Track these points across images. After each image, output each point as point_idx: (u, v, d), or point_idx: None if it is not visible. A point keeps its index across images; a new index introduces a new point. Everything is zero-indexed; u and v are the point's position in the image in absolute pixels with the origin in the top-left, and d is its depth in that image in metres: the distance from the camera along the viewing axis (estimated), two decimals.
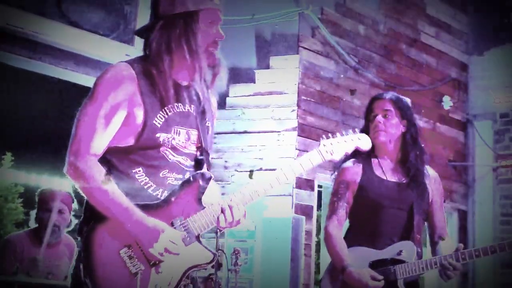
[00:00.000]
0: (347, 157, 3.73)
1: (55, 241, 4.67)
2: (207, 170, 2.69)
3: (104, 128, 2.50)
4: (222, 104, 6.35)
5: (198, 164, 2.68)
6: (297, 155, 5.95)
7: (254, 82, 6.31)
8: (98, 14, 5.54)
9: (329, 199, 3.75)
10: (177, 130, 2.60)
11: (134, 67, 2.57)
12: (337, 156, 2.77)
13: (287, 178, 2.69)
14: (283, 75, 6.20)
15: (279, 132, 6.06)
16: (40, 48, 5.31)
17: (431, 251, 3.74)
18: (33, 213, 4.85)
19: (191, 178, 2.59)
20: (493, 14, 8.13)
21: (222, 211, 2.56)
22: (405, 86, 7.34)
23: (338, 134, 2.81)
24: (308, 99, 6.21)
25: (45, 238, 4.53)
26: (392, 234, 3.57)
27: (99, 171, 2.46)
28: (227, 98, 6.33)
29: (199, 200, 2.58)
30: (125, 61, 2.61)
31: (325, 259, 7.35)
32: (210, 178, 2.61)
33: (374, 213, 3.59)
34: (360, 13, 6.92)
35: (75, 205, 4.77)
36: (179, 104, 2.63)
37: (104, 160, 2.53)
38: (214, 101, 2.82)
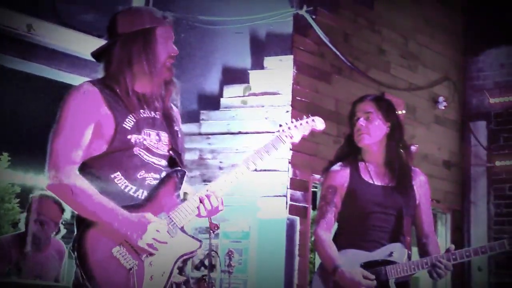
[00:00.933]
0: (334, 161, 3.76)
1: (37, 251, 4.61)
2: (181, 166, 2.84)
3: (79, 143, 2.63)
4: (216, 105, 6.35)
5: (172, 163, 2.82)
6: (291, 156, 5.95)
7: (248, 83, 6.30)
8: (92, 14, 5.55)
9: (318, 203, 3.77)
10: (147, 132, 2.74)
11: (95, 83, 2.73)
12: (296, 139, 3.00)
13: (255, 164, 2.86)
14: (278, 76, 6.19)
15: (273, 132, 6.03)
16: (34, 49, 5.31)
17: (418, 252, 3.76)
18: (23, 216, 4.81)
19: (167, 176, 2.75)
20: (488, 15, 8.15)
21: (201, 201, 2.73)
22: (400, 86, 7.35)
23: (293, 119, 3.05)
24: (303, 99, 6.21)
25: (26, 247, 4.51)
26: (381, 237, 3.59)
27: (80, 177, 2.59)
28: (221, 99, 6.34)
29: (178, 195, 2.76)
30: (87, 81, 2.76)
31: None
32: (184, 173, 2.78)
33: (362, 218, 3.59)
34: (355, 13, 6.93)
35: (66, 215, 4.70)
36: (145, 110, 2.78)
37: (85, 170, 2.65)
38: (175, 109, 2.96)
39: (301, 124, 3.05)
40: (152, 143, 2.74)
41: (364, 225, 3.58)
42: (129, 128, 2.69)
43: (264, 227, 5.84)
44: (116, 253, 2.56)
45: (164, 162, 2.78)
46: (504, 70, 8.04)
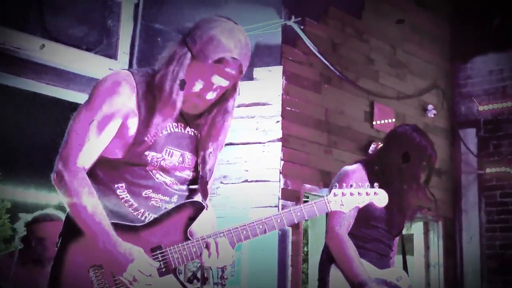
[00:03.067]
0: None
1: (41, 268, 4.58)
2: (202, 197, 2.56)
3: (96, 137, 2.41)
4: (220, 141, 6.32)
5: (190, 190, 2.58)
6: (282, 166, 5.94)
7: (238, 94, 6.29)
8: (81, 28, 5.54)
9: None
10: (170, 151, 2.49)
11: (135, 77, 2.49)
12: (346, 209, 2.58)
13: (287, 224, 2.57)
14: (267, 86, 6.20)
15: (264, 143, 6.06)
16: (22, 63, 5.29)
17: None
18: (20, 231, 4.73)
19: (182, 205, 2.48)
20: (474, 22, 8.19)
21: (207, 246, 2.43)
22: (389, 95, 7.37)
23: (354, 184, 2.62)
24: (293, 109, 6.22)
25: (29, 264, 4.49)
26: (378, 250, 3.59)
27: (84, 186, 2.37)
28: (224, 136, 6.31)
29: (185, 231, 2.45)
30: (128, 70, 2.54)
31: (313, 270, 7.34)
32: (202, 208, 2.48)
33: (373, 229, 3.57)
34: (342, 23, 6.95)
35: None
36: (179, 123, 2.53)
37: (91, 170, 2.45)
38: (224, 132, 2.67)
39: (359, 193, 2.60)
40: (171, 164, 2.49)
41: (367, 235, 3.57)
42: (150, 143, 2.44)
43: (256, 238, 5.81)
44: (92, 273, 2.37)
45: (179, 186, 2.52)
46: (493, 77, 8.08)
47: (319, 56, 6.48)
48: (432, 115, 7.83)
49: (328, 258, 3.55)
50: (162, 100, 2.42)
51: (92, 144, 2.41)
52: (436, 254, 7.72)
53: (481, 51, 8.17)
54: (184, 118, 2.52)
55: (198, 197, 2.61)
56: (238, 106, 6.31)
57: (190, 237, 2.46)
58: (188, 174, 2.55)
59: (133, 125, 2.44)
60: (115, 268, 2.33)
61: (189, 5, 6.50)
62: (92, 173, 2.45)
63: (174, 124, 2.50)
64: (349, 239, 3.46)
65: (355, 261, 3.40)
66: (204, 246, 2.43)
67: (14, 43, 5.16)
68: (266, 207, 5.85)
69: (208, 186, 2.56)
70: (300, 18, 6.30)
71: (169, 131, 2.49)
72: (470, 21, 8.25)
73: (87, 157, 2.41)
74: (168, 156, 2.48)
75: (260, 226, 2.55)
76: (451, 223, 7.94)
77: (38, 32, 5.30)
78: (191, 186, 2.57)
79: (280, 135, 6.01)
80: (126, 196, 2.45)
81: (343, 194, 2.56)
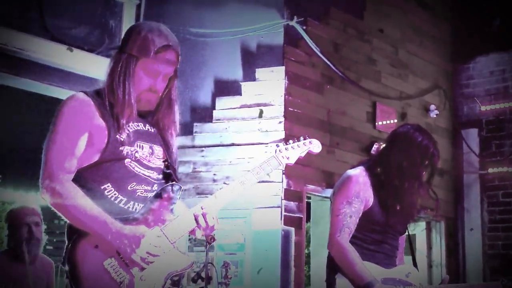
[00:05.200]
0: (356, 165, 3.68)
1: (35, 254, 4.59)
2: (176, 182, 2.84)
3: (72, 152, 2.64)
4: (209, 117, 6.33)
5: (166, 177, 2.84)
6: (285, 167, 5.92)
7: (241, 95, 6.30)
8: (83, 29, 5.54)
9: (337, 207, 3.52)
10: (140, 145, 2.77)
11: (89, 94, 2.75)
12: (292, 160, 2.99)
13: (251, 183, 2.85)
14: (270, 87, 6.19)
15: (266, 144, 6.05)
16: (24, 64, 5.28)
17: None
18: (2, 234, 4.78)
19: (163, 190, 2.74)
20: (475, 23, 8.19)
21: (196, 218, 2.70)
22: (391, 95, 7.37)
23: (290, 141, 3.02)
24: (295, 110, 6.21)
25: (25, 254, 4.47)
26: (384, 251, 3.58)
27: (75, 187, 2.60)
28: (214, 111, 6.32)
29: (172, 210, 2.73)
30: (81, 91, 2.78)
31: (315, 271, 7.34)
32: (179, 188, 2.77)
33: (375, 233, 3.56)
34: (344, 24, 6.94)
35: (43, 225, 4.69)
36: (139, 123, 2.81)
37: (77, 181, 2.64)
38: (176, 118, 2.94)
39: (298, 145, 3.03)
40: (144, 156, 2.76)
41: (375, 238, 3.55)
42: (122, 139, 2.70)
43: (259, 238, 5.81)
44: (108, 266, 2.56)
45: (156, 175, 2.79)
46: (494, 77, 8.08)
47: (321, 56, 6.47)
48: (434, 116, 7.83)
49: (332, 269, 3.52)
50: (119, 104, 2.71)
51: (71, 155, 2.65)
52: (438, 254, 7.72)
53: (482, 51, 8.17)
54: (142, 117, 2.83)
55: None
56: (241, 107, 6.33)
57: (177, 215, 2.74)
58: (160, 164, 2.83)
59: (101, 131, 2.69)
60: (129, 248, 2.55)
61: (190, 6, 6.50)
62: (79, 182, 2.65)
63: (135, 123, 2.79)
64: (351, 245, 3.43)
65: (358, 264, 3.37)
66: (193, 218, 2.70)
67: (16, 44, 5.15)
68: (269, 207, 5.84)
69: (176, 170, 2.89)
70: (302, 19, 6.30)
71: (134, 129, 2.77)
72: (471, 21, 8.26)
73: (69, 166, 2.64)
74: (140, 148, 2.76)
75: (230, 192, 2.81)
76: (453, 223, 7.94)
77: (40, 33, 5.30)
78: (165, 173, 2.85)
79: (282, 136, 6.00)
80: (115, 194, 2.67)
81: (286, 149, 2.98)
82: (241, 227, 5.83)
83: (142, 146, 2.77)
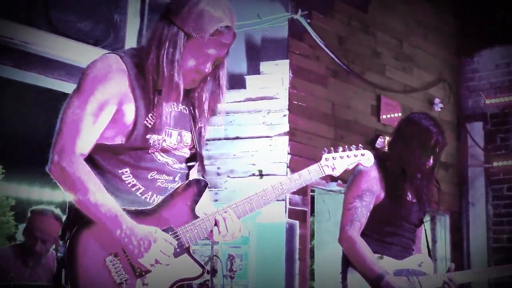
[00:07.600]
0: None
1: (36, 265, 4.59)
2: (202, 173, 2.58)
3: (92, 125, 2.34)
4: (213, 111, 6.32)
5: (190, 166, 2.57)
6: (289, 160, 5.94)
7: (245, 88, 6.30)
8: (87, 23, 5.53)
9: (348, 201, 3.54)
10: (169, 132, 2.46)
11: (124, 60, 2.41)
12: (338, 172, 2.66)
13: (286, 191, 2.61)
14: (274, 80, 6.19)
15: (271, 137, 6.05)
16: (29, 58, 5.28)
17: None
18: (21, 227, 4.77)
19: (187, 185, 2.46)
20: (480, 16, 8.17)
21: (216, 223, 2.44)
22: (395, 89, 7.36)
23: (340, 148, 2.69)
24: (299, 103, 6.21)
25: (28, 262, 4.51)
26: (400, 243, 3.58)
27: (87, 174, 2.30)
28: (218, 104, 6.30)
29: (193, 209, 2.45)
30: (115, 53, 2.46)
31: (320, 264, 7.34)
32: (206, 185, 2.49)
33: (389, 226, 3.56)
34: (349, 17, 6.93)
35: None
36: (173, 103, 2.48)
37: (89, 157, 2.38)
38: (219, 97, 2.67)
39: (348, 155, 2.68)
40: (172, 144, 2.47)
41: (389, 231, 3.55)
42: (150, 126, 2.40)
43: (264, 231, 5.82)
44: (109, 263, 2.32)
45: (179, 164, 2.51)
46: (499, 70, 8.06)
47: (326, 49, 6.46)
48: (439, 109, 7.82)
49: (347, 262, 3.53)
50: (164, 85, 2.38)
51: (88, 132, 2.34)
52: (443, 248, 7.71)
53: (487, 44, 8.15)
54: (176, 95, 2.48)
55: (194, 174, 2.62)
56: (245, 100, 6.33)
57: (197, 216, 2.46)
58: (186, 152, 2.55)
59: (129, 110, 2.38)
60: (137, 250, 2.29)
61: None
62: (90, 160, 2.38)
63: (169, 103, 2.46)
64: (361, 238, 3.43)
65: (368, 257, 3.38)
66: (213, 223, 2.44)
67: (20, 38, 5.14)
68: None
69: (203, 159, 2.60)
70: (306, 12, 6.29)
71: (166, 111, 2.44)
72: (476, 14, 8.23)
73: (84, 144, 2.34)
74: (168, 136, 2.46)
75: (262, 197, 2.57)
76: (458, 216, 7.93)
77: (45, 27, 5.29)
78: (189, 164, 2.57)
79: (287, 129, 6.01)
80: (132, 181, 2.41)
81: (333, 158, 2.65)
82: (245, 220, 5.83)
83: (171, 133, 2.46)
